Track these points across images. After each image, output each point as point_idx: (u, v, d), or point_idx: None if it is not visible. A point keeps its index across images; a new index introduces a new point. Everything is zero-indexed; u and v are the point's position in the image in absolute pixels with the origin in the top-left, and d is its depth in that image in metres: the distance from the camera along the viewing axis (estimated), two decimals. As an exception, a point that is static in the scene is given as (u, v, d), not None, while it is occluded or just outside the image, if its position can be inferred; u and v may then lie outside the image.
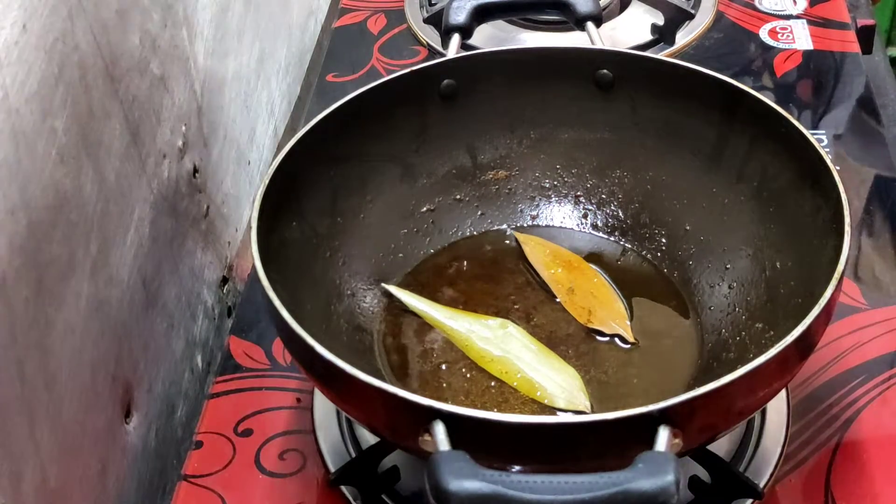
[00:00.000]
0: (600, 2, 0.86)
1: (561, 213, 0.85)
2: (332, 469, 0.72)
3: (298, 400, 0.78)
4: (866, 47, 1.10)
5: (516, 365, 0.74)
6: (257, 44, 1.04)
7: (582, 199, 0.85)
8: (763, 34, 1.10)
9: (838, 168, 0.68)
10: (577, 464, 0.55)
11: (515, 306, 0.79)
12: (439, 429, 0.54)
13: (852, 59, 1.06)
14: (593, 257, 0.82)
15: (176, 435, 0.84)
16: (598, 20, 0.84)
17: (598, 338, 0.76)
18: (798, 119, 0.73)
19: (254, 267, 0.64)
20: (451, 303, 0.79)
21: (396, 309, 0.79)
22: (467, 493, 0.50)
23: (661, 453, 0.53)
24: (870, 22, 1.12)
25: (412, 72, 0.79)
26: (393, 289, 0.79)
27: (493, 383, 0.73)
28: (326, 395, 0.64)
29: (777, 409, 0.74)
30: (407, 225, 0.82)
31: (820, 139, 0.96)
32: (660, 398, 0.55)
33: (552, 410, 0.71)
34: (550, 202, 0.85)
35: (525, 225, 0.85)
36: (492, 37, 1.07)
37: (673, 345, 0.75)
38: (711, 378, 0.56)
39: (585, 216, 0.84)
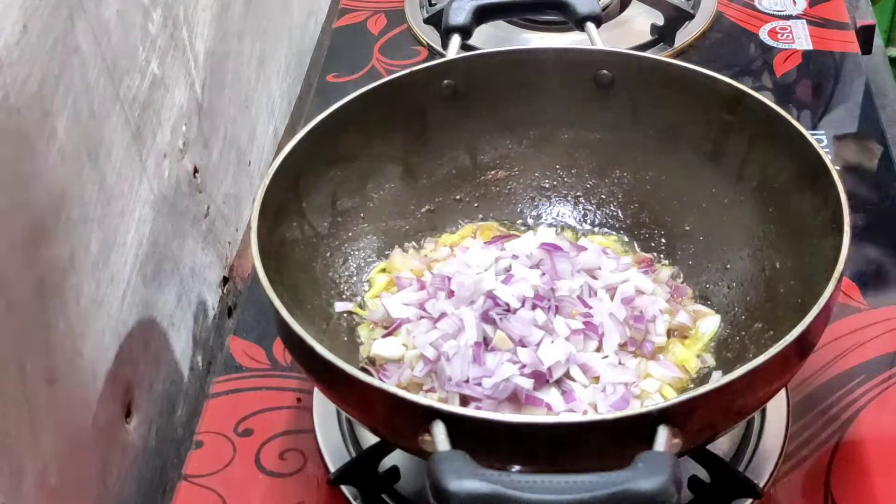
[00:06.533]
0: (600, 2, 0.86)
1: (561, 214, 0.85)
2: (332, 469, 0.72)
3: (298, 400, 0.78)
4: (866, 47, 1.10)
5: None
6: (257, 44, 1.04)
7: (582, 199, 0.85)
8: (763, 34, 1.10)
9: (838, 168, 0.68)
10: (577, 464, 0.55)
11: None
12: (439, 429, 0.54)
13: (852, 59, 1.06)
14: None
15: (176, 435, 0.84)
16: (598, 20, 0.84)
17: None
18: (798, 119, 0.73)
19: (254, 267, 0.64)
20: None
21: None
22: (467, 492, 0.50)
23: (660, 453, 0.53)
24: (870, 22, 1.12)
25: (412, 72, 0.79)
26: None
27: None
28: (326, 395, 0.65)
29: (777, 408, 0.74)
30: (407, 225, 0.83)
31: (820, 139, 0.96)
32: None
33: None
34: (550, 202, 0.85)
35: (525, 225, 0.85)
36: (492, 37, 1.07)
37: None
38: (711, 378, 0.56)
39: (585, 216, 0.84)
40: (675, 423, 0.54)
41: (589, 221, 0.84)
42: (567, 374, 0.69)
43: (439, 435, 0.54)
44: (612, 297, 0.74)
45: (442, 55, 0.82)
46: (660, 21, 1.09)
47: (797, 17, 1.11)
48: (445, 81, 0.80)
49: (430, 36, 1.11)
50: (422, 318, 0.74)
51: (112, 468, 0.73)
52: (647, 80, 0.79)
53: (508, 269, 0.75)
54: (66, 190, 0.65)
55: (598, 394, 0.68)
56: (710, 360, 0.73)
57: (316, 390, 0.76)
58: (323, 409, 0.76)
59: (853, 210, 0.65)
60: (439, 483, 0.50)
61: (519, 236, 0.81)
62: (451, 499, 0.50)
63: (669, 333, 0.74)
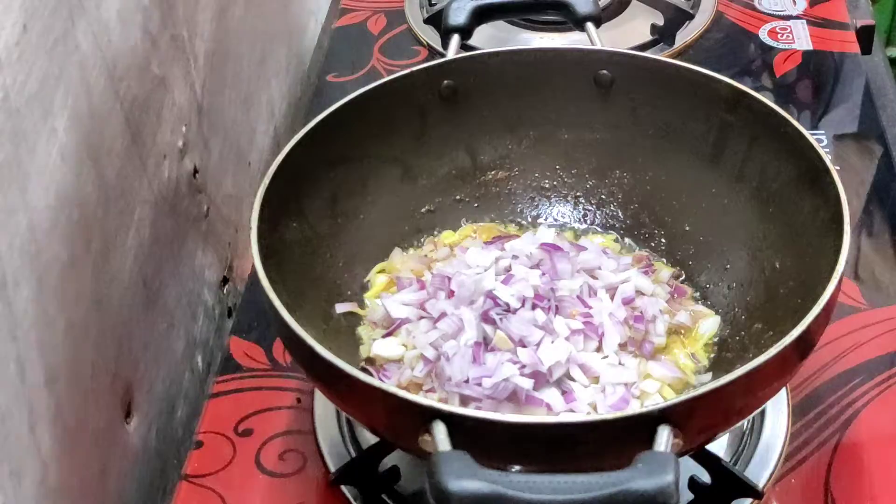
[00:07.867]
0: (600, 2, 0.86)
1: (561, 214, 0.85)
2: (332, 469, 0.72)
3: (298, 400, 0.78)
4: (866, 47, 1.10)
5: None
6: (257, 44, 1.04)
7: (581, 199, 0.85)
8: (763, 34, 1.10)
9: (838, 168, 0.68)
10: (577, 464, 0.55)
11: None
12: (439, 429, 0.54)
13: (852, 59, 1.06)
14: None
15: (176, 435, 0.84)
16: (598, 20, 0.84)
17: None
18: (798, 119, 0.73)
19: (254, 267, 0.64)
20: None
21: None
22: (467, 493, 0.50)
23: (660, 453, 0.53)
24: (869, 22, 1.12)
25: (412, 72, 0.79)
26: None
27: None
28: (326, 395, 0.65)
29: (777, 408, 0.74)
30: (407, 225, 0.83)
31: (820, 139, 0.96)
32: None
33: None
34: (550, 203, 0.85)
35: (525, 225, 0.85)
36: (492, 37, 1.07)
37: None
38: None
39: (585, 216, 0.84)
40: (675, 423, 0.54)
41: (589, 221, 0.84)
42: (567, 374, 0.69)
43: (439, 435, 0.54)
44: (612, 298, 0.74)
45: (442, 55, 0.82)
46: (660, 21, 1.09)
47: (797, 17, 1.12)
48: (445, 81, 0.80)
49: (430, 36, 1.11)
50: (422, 318, 0.74)
51: (112, 468, 0.73)
52: (647, 80, 0.79)
53: (508, 269, 0.75)
54: (66, 190, 0.65)
55: (598, 394, 0.68)
56: (707, 361, 0.73)
57: (316, 390, 0.76)
58: (323, 409, 0.76)
59: (853, 210, 0.65)
60: (439, 483, 0.50)
61: (519, 236, 0.81)
62: (451, 499, 0.50)
63: (669, 333, 0.74)
